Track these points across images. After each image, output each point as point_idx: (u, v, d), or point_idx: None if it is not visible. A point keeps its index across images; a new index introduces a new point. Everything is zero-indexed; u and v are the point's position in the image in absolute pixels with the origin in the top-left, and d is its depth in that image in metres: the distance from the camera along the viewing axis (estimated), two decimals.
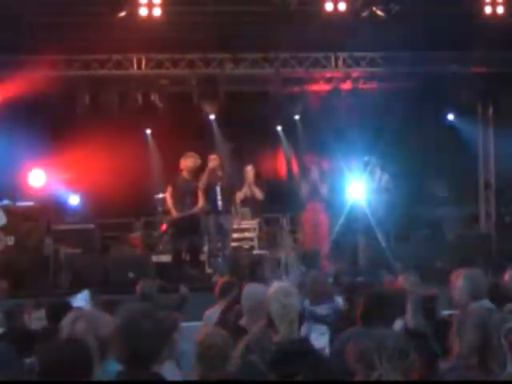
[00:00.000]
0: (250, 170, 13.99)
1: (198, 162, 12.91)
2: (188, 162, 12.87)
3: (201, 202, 12.81)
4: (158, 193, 15.02)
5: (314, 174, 13.77)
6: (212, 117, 15.52)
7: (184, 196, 12.83)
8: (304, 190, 13.84)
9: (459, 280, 6.03)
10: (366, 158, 13.87)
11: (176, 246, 13.09)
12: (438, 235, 15.29)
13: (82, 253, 13.98)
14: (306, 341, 4.51)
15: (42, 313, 6.74)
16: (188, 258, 13.00)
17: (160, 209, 14.76)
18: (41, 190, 14.88)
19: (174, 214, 12.86)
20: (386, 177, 13.63)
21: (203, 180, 12.81)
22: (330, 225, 14.06)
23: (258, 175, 14.37)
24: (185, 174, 12.89)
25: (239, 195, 13.89)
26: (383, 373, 2.87)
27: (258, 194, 14.01)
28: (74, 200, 15.51)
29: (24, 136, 14.02)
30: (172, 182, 13.07)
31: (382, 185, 13.62)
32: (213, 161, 12.94)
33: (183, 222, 12.76)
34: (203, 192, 12.87)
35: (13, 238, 12.68)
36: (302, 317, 4.61)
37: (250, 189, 14.03)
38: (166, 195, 13.16)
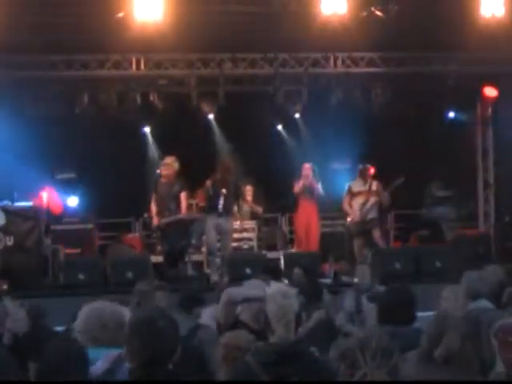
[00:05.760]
0: (249, 190, 14.31)
1: (175, 166, 12.77)
2: (162, 170, 12.79)
3: (183, 205, 12.73)
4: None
5: (307, 172, 13.85)
6: (211, 116, 15.51)
7: (168, 201, 12.71)
8: (296, 189, 13.93)
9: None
10: (360, 166, 13.91)
11: (165, 248, 13.03)
12: (438, 235, 15.31)
13: (80, 253, 14.00)
14: (301, 342, 4.50)
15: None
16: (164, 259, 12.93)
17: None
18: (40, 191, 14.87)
19: (156, 221, 12.72)
20: (376, 182, 13.71)
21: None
22: (320, 227, 14.22)
23: (256, 193, 14.75)
24: (164, 180, 12.78)
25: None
26: (367, 371, 2.86)
27: (259, 212, 14.78)
28: (72, 201, 15.48)
29: (25, 136, 14.07)
30: (154, 188, 12.92)
31: (373, 189, 13.68)
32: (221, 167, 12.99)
33: (169, 226, 12.67)
34: (205, 195, 12.95)
35: (12, 238, 12.68)
36: (300, 318, 4.58)
37: (249, 206, 14.53)
38: (152, 204, 12.95)
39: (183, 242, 12.83)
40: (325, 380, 4.09)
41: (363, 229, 13.55)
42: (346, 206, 13.79)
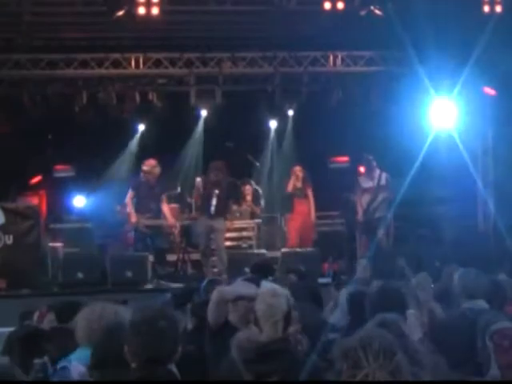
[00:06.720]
0: (248, 189, 14.25)
1: (155, 172, 12.83)
2: (143, 178, 12.86)
3: (166, 210, 12.80)
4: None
5: (298, 173, 13.85)
6: (204, 114, 15.43)
7: (148, 202, 12.74)
8: (288, 189, 13.90)
9: (453, 278, 6.00)
10: (364, 156, 13.87)
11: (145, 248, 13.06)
12: (437, 234, 15.29)
13: (79, 251, 13.98)
14: (286, 340, 4.48)
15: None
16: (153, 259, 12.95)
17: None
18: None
19: (134, 218, 12.78)
20: (385, 175, 13.63)
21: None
22: (318, 227, 14.22)
23: (255, 193, 14.84)
24: (144, 180, 12.84)
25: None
26: (369, 372, 2.85)
27: (258, 211, 14.79)
28: (79, 201, 15.39)
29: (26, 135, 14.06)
30: (133, 186, 12.95)
31: (382, 183, 13.60)
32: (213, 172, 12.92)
33: (148, 228, 12.73)
34: (197, 195, 12.96)
35: (11, 236, 12.67)
36: (289, 318, 4.55)
37: (248, 206, 14.61)
38: (127, 200, 13.00)
39: (158, 243, 12.85)
40: (307, 379, 4.08)
41: (369, 227, 13.49)
42: (357, 201, 13.72)
